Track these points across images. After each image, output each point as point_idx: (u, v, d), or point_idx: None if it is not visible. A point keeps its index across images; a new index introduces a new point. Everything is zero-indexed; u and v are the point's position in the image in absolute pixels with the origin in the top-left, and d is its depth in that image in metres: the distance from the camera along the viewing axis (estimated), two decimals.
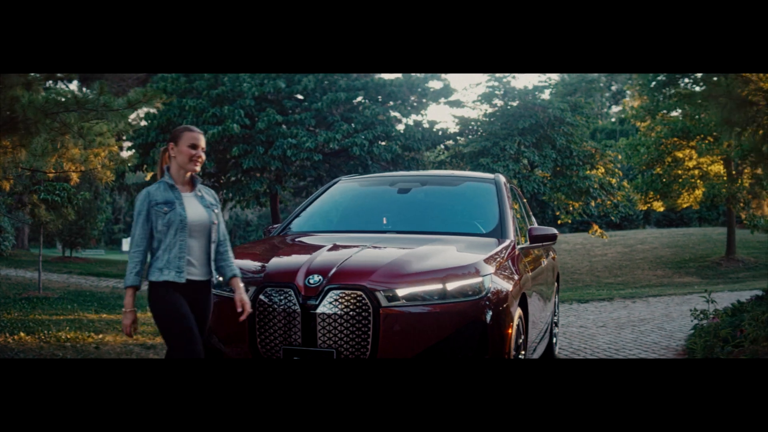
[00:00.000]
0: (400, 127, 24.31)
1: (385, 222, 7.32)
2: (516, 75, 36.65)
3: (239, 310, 5.00)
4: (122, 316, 4.87)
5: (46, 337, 9.17)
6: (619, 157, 27.16)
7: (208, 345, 5.76)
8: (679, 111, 28.51)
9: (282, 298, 5.32)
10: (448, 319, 5.20)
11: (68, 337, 9.27)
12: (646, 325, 12.35)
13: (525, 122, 23.27)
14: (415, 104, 24.57)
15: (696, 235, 36.07)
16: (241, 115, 21.10)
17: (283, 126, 21.82)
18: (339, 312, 5.18)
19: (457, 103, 25.71)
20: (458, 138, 26.12)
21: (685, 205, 29.04)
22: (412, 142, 23.21)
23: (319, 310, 5.19)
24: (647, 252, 31.67)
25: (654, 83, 28.81)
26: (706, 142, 26.03)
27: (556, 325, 9.52)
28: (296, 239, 6.80)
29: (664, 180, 28.05)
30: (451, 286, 5.29)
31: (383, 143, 22.67)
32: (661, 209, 30.45)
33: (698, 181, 27.56)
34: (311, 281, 5.27)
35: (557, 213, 25.10)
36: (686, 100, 27.31)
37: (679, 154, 27.96)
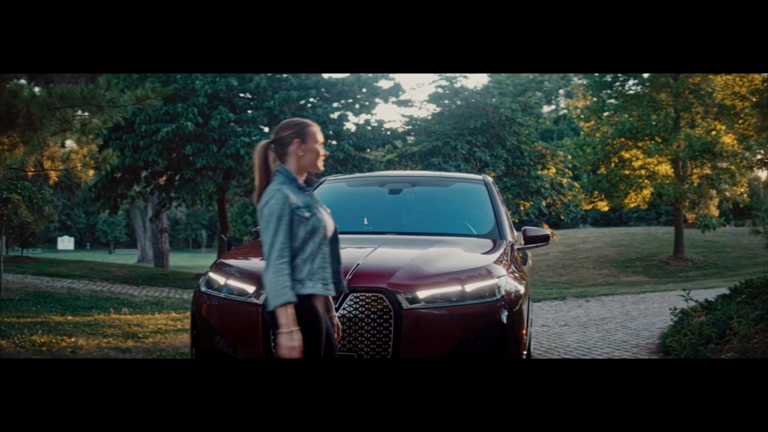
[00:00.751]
0: (350, 126, 24.31)
1: (366, 223, 7.31)
2: (467, 75, 36.86)
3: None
4: (286, 337, 4.13)
5: (20, 341, 8.98)
6: (569, 157, 27.46)
7: (209, 347, 5.67)
8: (624, 111, 28.91)
9: None
10: (467, 320, 5.21)
11: (42, 341, 9.08)
12: (609, 324, 12.50)
13: (476, 122, 23.41)
14: (366, 103, 24.55)
15: (639, 234, 36.58)
16: (195, 113, 20.90)
17: (232, 124, 21.70)
18: (360, 315, 5.14)
19: (406, 103, 25.75)
20: (407, 137, 26.17)
21: (632, 205, 29.47)
22: (363, 142, 23.20)
23: (340, 312, 5.13)
24: (590, 251, 32.03)
25: (598, 84, 29.22)
26: (654, 142, 26.45)
27: (531, 324, 9.61)
28: None
29: (610, 180, 28.43)
30: (470, 287, 5.30)
31: (334, 142, 22.62)
32: (606, 209, 30.85)
33: (646, 181, 27.98)
34: None
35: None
36: (634, 101, 27.72)
37: (626, 155, 28.36)
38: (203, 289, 5.82)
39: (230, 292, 5.58)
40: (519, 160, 24.22)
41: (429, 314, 5.17)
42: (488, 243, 6.43)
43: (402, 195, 7.62)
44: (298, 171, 4.37)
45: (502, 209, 7.25)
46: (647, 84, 27.66)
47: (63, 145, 8.28)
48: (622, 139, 27.94)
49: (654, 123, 26.45)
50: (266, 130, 22.77)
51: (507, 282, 5.50)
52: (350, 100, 24.34)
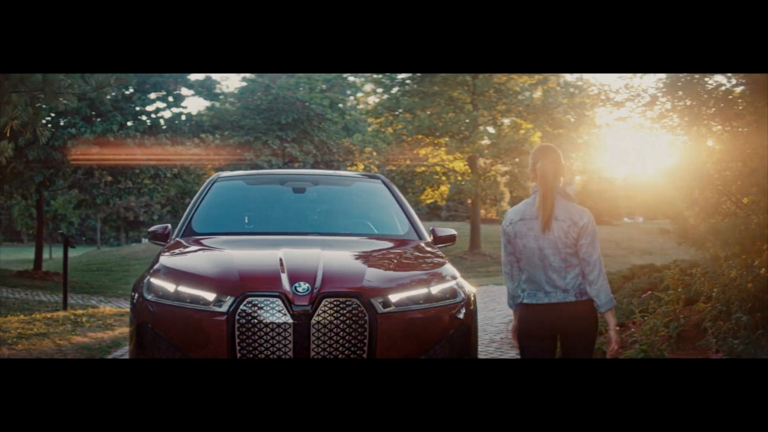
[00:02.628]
0: (162, 119, 23.94)
1: (246, 221, 7.20)
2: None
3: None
4: (618, 335, 4.69)
5: None
6: (375, 153, 27.98)
7: (156, 353, 5.37)
8: (420, 109, 29.66)
9: (269, 307, 5.10)
10: (436, 323, 5.32)
11: None
12: None
13: (286, 117, 23.49)
14: (178, 92, 24.17)
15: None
16: (25, 105, 19.84)
17: (52, 114, 20.83)
18: (334, 320, 5.07)
19: (215, 96, 25.47)
20: (216, 131, 25.92)
21: (428, 201, 30.29)
22: (177, 135, 22.80)
23: (314, 319, 5.04)
24: None
25: (392, 81, 29.87)
26: (454, 140, 27.30)
27: None
28: (221, 242, 6.43)
29: (404, 176, 29.09)
30: (435, 290, 5.41)
31: (149, 136, 22.16)
32: None
33: (443, 177, 28.86)
34: (299, 289, 5.14)
35: None
36: (431, 98, 28.51)
37: (422, 151, 29.09)
38: (148, 297, 5.48)
39: (184, 299, 5.31)
40: (328, 156, 24.51)
41: (403, 318, 5.23)
42: (417, 244, 6.50)
43: (306, 194, 7.54)
44: None
45: (411, 208, 7.36)
46: (440, 82, 28.32)
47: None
48: (419, 136, 28.54)
49: (453, 120, 27.22)
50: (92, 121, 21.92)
51: (462, 282, 5.68)
52: (164, 93, 23.82)
